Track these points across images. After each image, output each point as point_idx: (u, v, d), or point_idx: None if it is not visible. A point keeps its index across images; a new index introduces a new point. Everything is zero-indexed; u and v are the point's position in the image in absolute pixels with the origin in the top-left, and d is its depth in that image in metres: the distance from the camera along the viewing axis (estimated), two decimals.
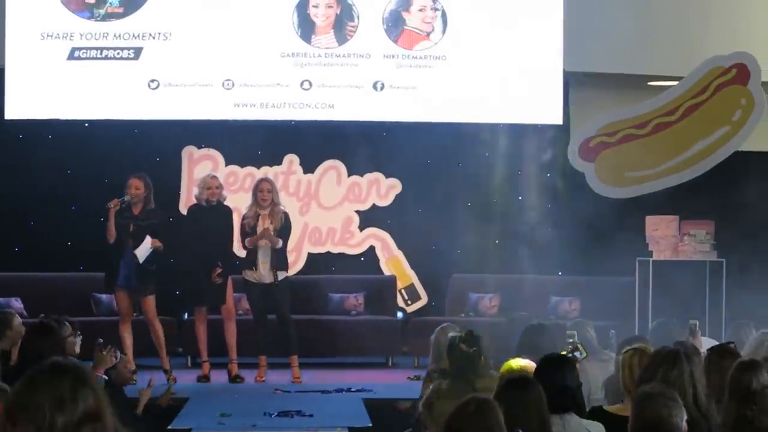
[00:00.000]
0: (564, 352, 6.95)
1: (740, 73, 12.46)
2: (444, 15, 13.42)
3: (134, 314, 11.58)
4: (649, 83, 14.60)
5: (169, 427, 9.13)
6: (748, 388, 5.27)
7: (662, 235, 12.43)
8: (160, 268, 11.49)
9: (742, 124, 12.44)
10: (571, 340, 8.14)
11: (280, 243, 11.64)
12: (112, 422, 2.84)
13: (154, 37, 13.20)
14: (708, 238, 12.37)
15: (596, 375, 8.19)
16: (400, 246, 14.17)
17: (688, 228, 12.42)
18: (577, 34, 13.68)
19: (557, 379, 5.99)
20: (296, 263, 13.85)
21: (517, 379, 5.59)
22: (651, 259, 12.42)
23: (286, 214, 11.87)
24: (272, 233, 11.60)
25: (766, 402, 5.38)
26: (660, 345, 7.24)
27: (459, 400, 4.70)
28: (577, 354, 7.29)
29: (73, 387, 2.84)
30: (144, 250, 11.32)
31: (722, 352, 6.60)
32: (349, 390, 11.10)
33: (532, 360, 6.54)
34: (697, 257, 12.34)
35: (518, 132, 13.58)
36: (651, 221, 12.52)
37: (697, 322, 9.58)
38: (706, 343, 9.44)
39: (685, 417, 5.01)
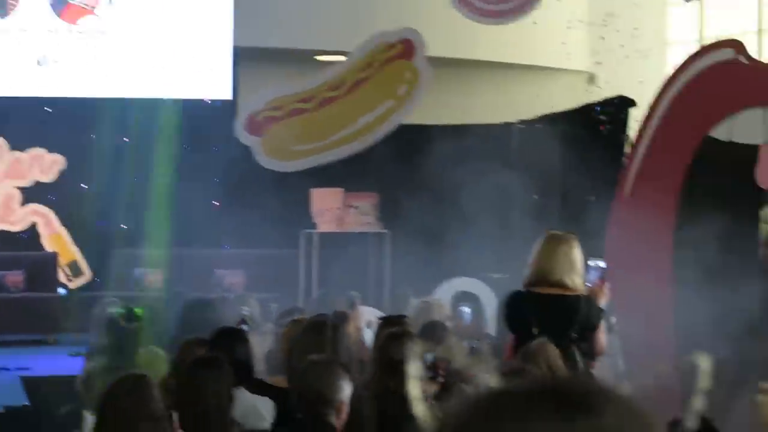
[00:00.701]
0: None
1: (406, 48, 12.66)
2: None
3: None
4: (317, 58, 14.68)
5: None
6: (392, 358, 5.31)
7: (327, 208, 12.51)
8: None
9: (407, 98, 12.65)
10: (246, 313, 8.12)
11: None
12: None
13: None
14: (372, 210, 12.54)
15: (257, 348, 8.16)
16: (63, 222, 13.77)
17: (353, 200, 12.54)
18: (246, 8, 13.60)
19: (229, 353, 5.92)
20: None
21: (205, 358, 5.50)
22: (316, 231, 12.49)
23: None
24: None
25: (407, 373, 5.44)
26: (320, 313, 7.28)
27: (117, 376, 4.60)
28: (244, 327, 7.24)
29: None
30: None
31: (387, 323, 6.69)
32: (5, 369, 10.73)
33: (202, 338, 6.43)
34: (362, 229, 12.50)
35: (186, 106, 13.39)
36: (316, 194, 12.58)
37: (357, 294, 9.71)
38: (368, 314, 9.58)
39: (347, 387, 5.00)
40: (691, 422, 1.49)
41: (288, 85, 13.02)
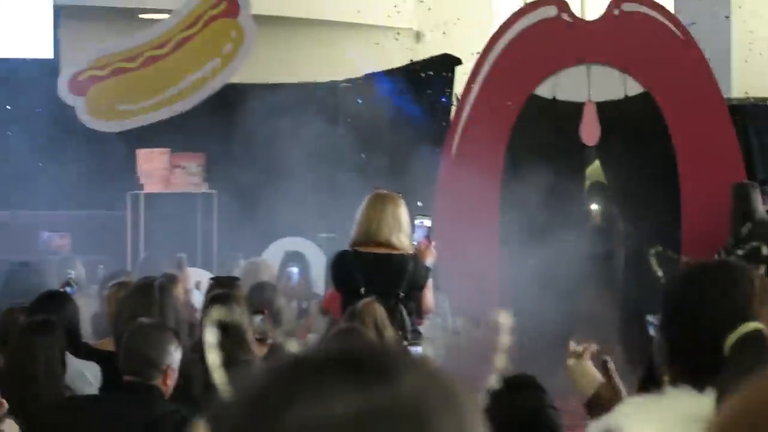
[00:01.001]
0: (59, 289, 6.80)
1: (230, 6, 12.53)
2: None
3: None
4: (141, 16, 14.45)
5: None
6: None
7: (154, 168, 12.34)
8: None
9: (233, 57, 12.53)
10: (71, 276, 7.99)
11: None
12: None
13: None
14: (199, 170, 12.42)
15: (83, 311, 8.04)
16: None
17: (179, 160, 12.40)
18: None
19: (52, 317, 5.82)
20: None
21: (37, 322, 5.41)
22: (142, 192, 12.32)
23: None
24: None
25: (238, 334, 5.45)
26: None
27: None
28: (68, 289, 7.13)
29: None
30: None
31: (217, 285, 6.64)
32: None
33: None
34: (189, 189, 12.37)
35: (6, 66, 13.02)
36: (142, 154, 12.39)
37: (184, 255, 9.63)
38: (196, 275, 9.52)
39: (176, 351, 4.97)
40: (493, 381, 1.50)
41: (112, 44, 12.77)
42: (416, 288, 6.79)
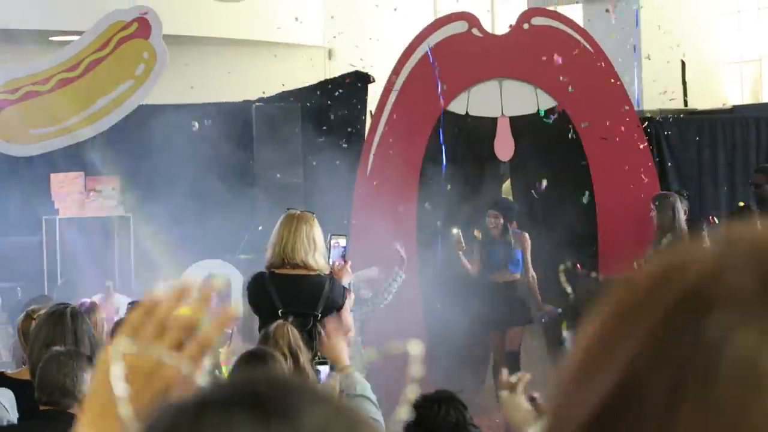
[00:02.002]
0: None
1: (142, 26, 12.48)
2: None
3: None
4: (51, 38, 14.35)
5: None
6: None
7: (68, 192, 12.25)
8: None
9: (146, 77, 12.48)
10: None
11: None
12: None
13: None
14: (114, 193, 12.34)
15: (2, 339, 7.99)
16: None
17: (95, 184, 12.31)
18: None
19: None
20: None
21: None
22: (57, 217, 12.22)
23: None
24: None
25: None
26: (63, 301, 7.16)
27: None
28: None
29: None
30: None
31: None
32: None
33: None
34: (105, 213, 12.29)
35: None
36: (56, 178, 12.28)
37: (111, 283, 9.56)
38: (119, 300, 9.46)
39: (86, 377, 4.94)
40: (404, 413, 1.50)
41: (22, 67, 12.65)
42: (334, 308, 6.80)
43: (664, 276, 1.04)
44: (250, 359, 5.17)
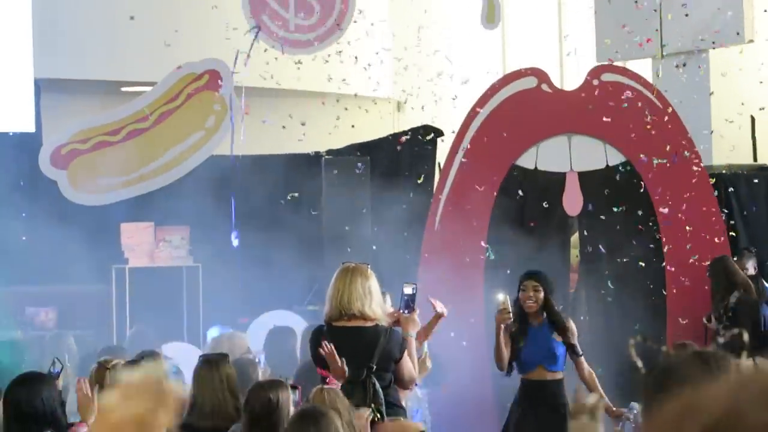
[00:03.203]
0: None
1: (212, 79, 12.62)
2: None
3: None
4: (123, 89, 14.52)
5: None
6: None
7: (138, 242, 12.36)
8: None
9: (216, 129, 12.61)
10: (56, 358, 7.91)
11: None
12: None
13: None
14: (183, 243, 12.44)
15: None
16: None
17: (164, 234, 12.41)
18: (46, 38, 13.36)
19: (30, 398, 5.84)
20: None
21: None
22: (127, 266, 12.33)
23: None
24: None
25: None
26: (137, 352, 7.23)
27: None
28: (54, 370, 7.06)
29: None
30: None
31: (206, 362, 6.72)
32: None
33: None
34: (174, 263, 12.38)
35: None
36: (126, 228, 12.41)
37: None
38: (183, 350, 9.51)
39: None
40: None
41: (93, 117, 12.81)
42: (390, 359, 6.81)
43: (684, 415, 1.07)
44: (299, 419, 5.16)
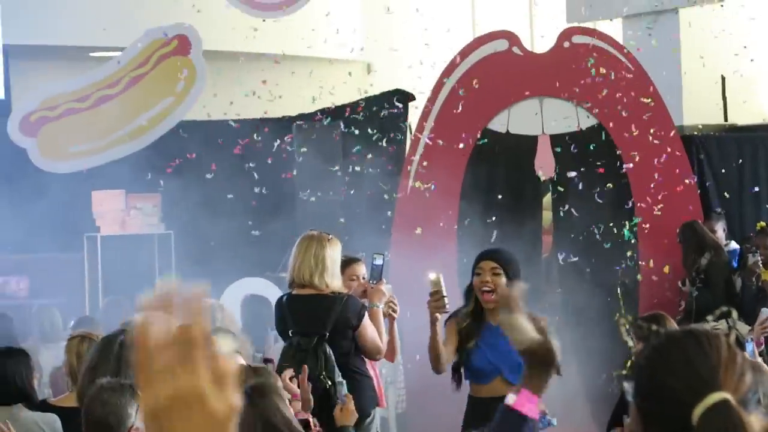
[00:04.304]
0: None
1: (181, 44, 12.52)
2: None
3: None
4: (92, 54, 14.41)
5: None
6: None
7: (109, 210, 12.31)
8: None
9: (186, 94, 12.52)
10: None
11: None
12: None
13: None
14: (155, 210, 12.39)
15: (48, 362, 8.00)
16: None
17: (135, 201, 12.37)
18: (13, 3, 13.24)
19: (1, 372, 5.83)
20: None
21: None
22: (99, 234, 12.27)
23: None
24: None
25: None
26: (111, 323, 7.18)
27: None
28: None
29: None
30: None
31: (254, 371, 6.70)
32: None
33: None
34: (146, 230, 12.34)
35: None
36: (97, 196, 12.35)
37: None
38: None
39: (133, 411, 4.93)
40: None
41: (62, 83, 12.70)
42: (347, 327, 6.82)
43: None
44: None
